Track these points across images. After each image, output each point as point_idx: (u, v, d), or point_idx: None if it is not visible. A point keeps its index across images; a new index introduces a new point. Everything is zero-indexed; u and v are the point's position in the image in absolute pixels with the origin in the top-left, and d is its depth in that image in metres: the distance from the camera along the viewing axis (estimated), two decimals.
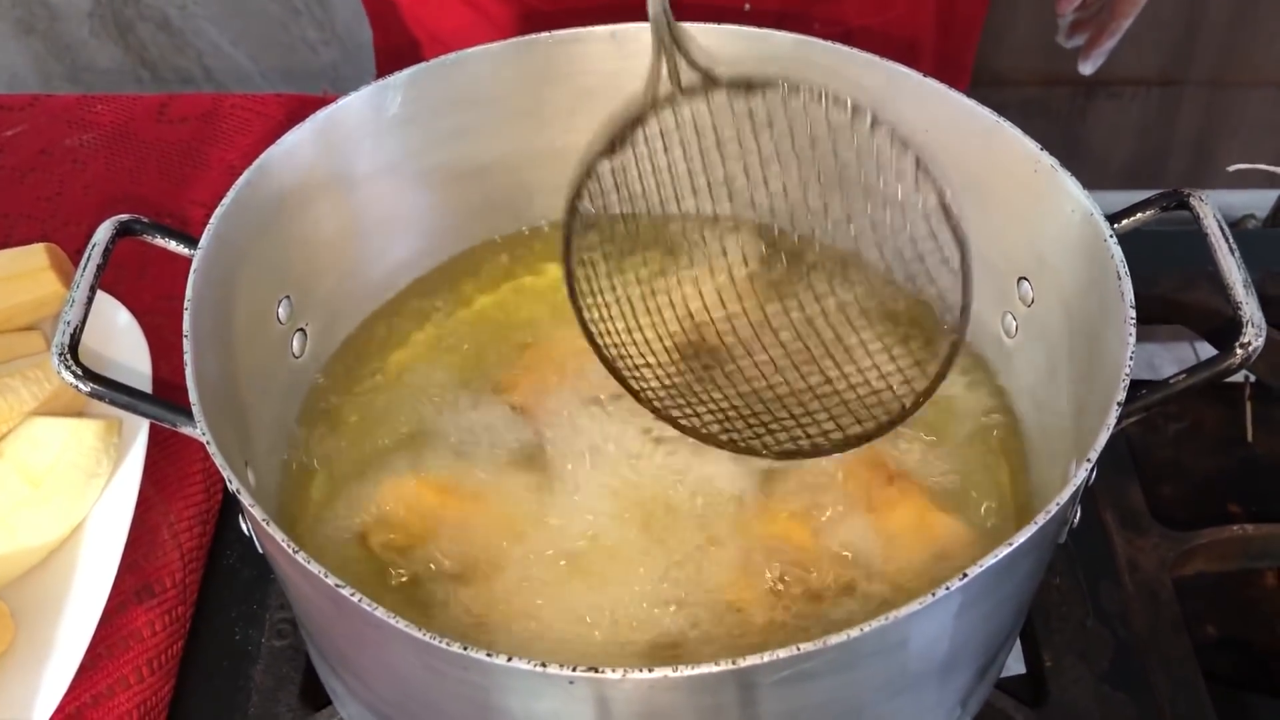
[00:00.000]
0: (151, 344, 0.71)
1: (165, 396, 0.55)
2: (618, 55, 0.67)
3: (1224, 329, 0.82)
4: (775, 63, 0.65)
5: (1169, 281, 0.83)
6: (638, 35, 0.66)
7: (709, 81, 0.58)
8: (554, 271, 0.72)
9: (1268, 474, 0.85)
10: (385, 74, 0.64)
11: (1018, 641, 0.65)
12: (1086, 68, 0.78)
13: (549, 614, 0.56)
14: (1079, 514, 0.55)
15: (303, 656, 0.65)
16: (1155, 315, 0.82)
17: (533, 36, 0.66)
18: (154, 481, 0.70)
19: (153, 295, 0.79)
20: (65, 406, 0.67)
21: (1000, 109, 0.61)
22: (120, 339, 0.71)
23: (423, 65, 0.65)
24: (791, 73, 0.65)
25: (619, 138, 0.58)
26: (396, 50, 0.90)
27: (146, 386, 0.69)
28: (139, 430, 0.67)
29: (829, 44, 0.64)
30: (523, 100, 0.68)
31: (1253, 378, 0.86)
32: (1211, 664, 0.66)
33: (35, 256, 0.72)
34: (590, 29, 0.66)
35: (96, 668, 0.63)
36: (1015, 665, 0.66)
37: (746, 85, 0.57)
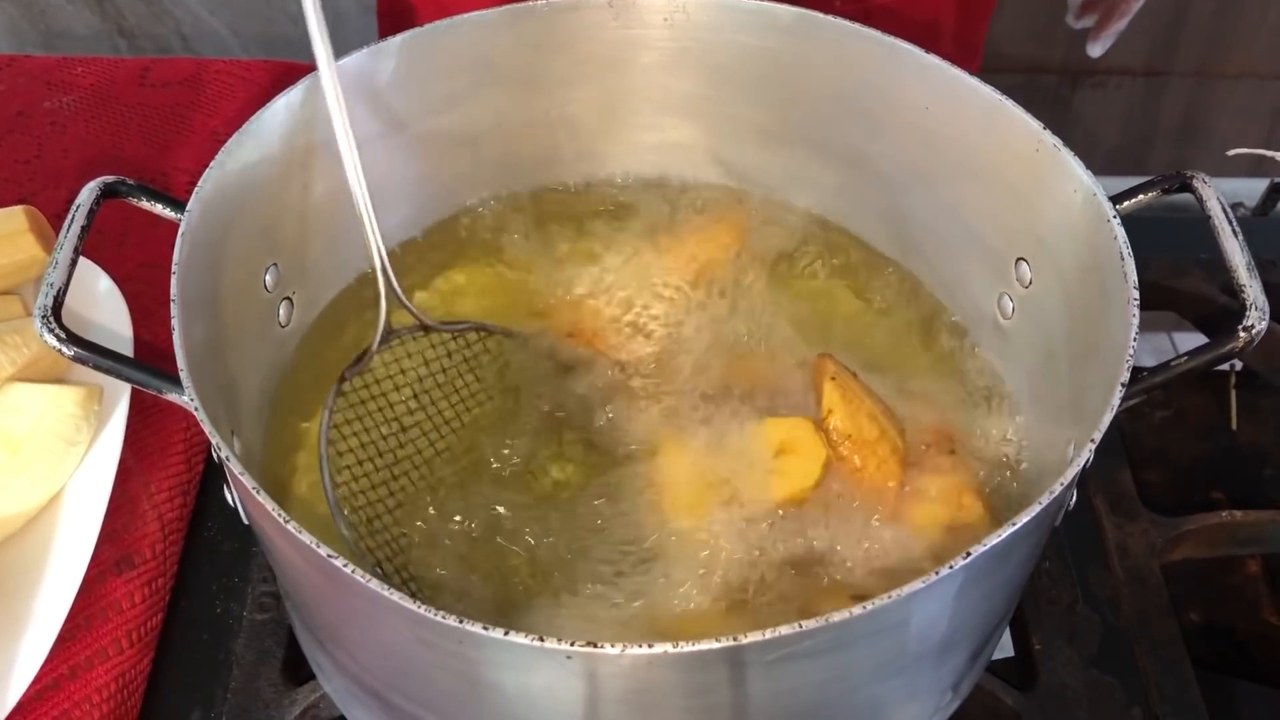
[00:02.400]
0: (132, 312, 0.69)
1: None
2: (615, 24, 0.66)
3: (1214, 316, 0.82)
4: (776, 35, 0.65)
5: (1159, 268, 0.82)
6: (635, 5, 0.66)
7: (422, 327, 0.63)
8: (546, 244, 0.71)
9: (1251, 461, 0.85)
10: (386, 37, 0.63)
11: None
12: (1095, 49, 0.78)
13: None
14: (1074, 497, 0.55)
15: (285, 630, 0.64)
16: (1144, 301, 0.82)
17: (529, 4, 0.65)
18: (134, 450, 0.69)
19: (134, 263, 0.77)
20: (44, 372, 0.66)
21: None
22: (101, 305, 0.69)
23: (416, 30, 0.64)
24: (790, 50, 0.65)
25: (345, 376, 0.61)
26: (399, 13, 0.89)
27: (128, 354, 0.67)
28: (120, 398, 0.65)
29: (830, 18, 0.63)
30: (517, 68, 0.67)
31: (1239, 366, 0.86)
32: (1194, 649, 0.66)
33: (14, 219, 0.70)
34: None
35: (75, 639, 0.62)
36: (1004, 648, 0.66)
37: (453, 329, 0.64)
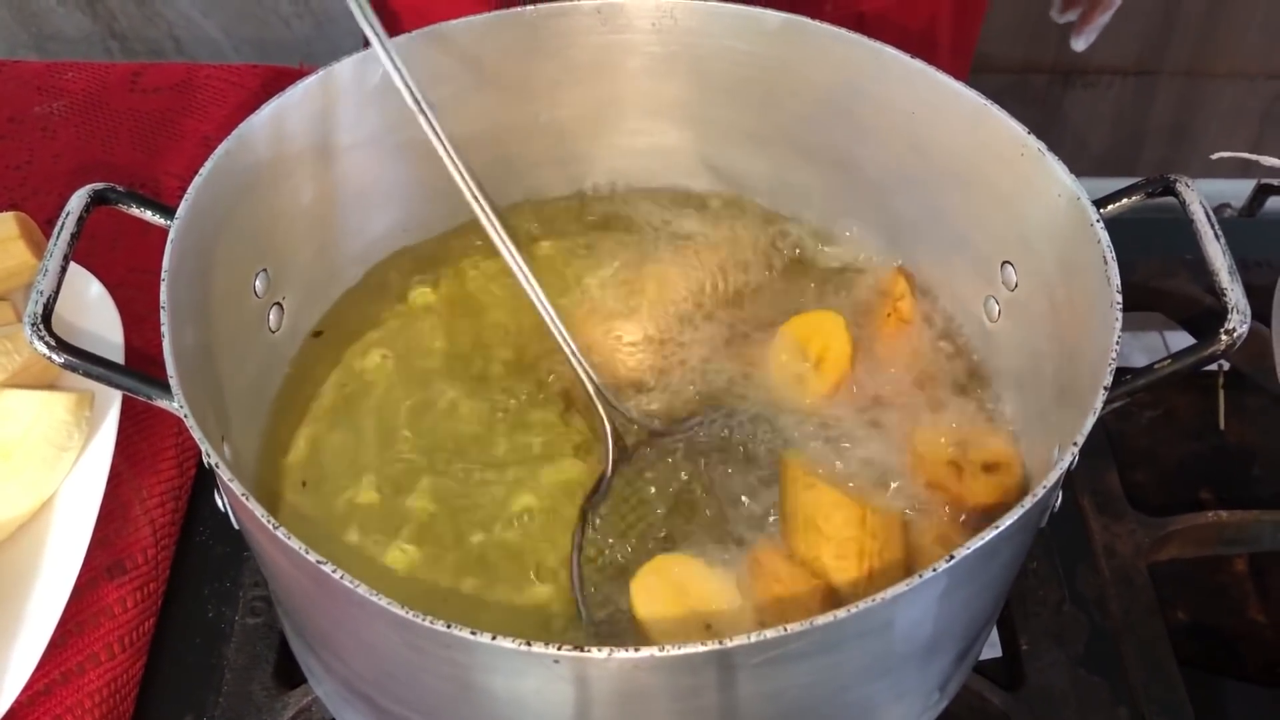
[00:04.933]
0: (124, 317, 0.70)
1: (138, 370, 0.53)
2: (603, 30, 0.66)
3: (1201, 317, 0.82)
4: (763, 40, 0.65)
5: (1146, 269, 0.83)
6: (623, 10, 0.66)
7: (653, 435, 0.62)
8: (536, 252, 0.72)
9: (1238, 461, 0.85)
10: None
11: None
12: (1079, 43, 0.78)
13: None
14: (1059, 499, 0.55)
15: (277, 634, 0.64)
16: (1132, 303, 0.82)
17: (517, 10, 0.65)
18: (126, 456, 0.69)
19: (125, 268, 0.77)
20: (36, 379, 0.66)
21: None
22: (92, 311, 0.69)
23: (406, 36, 0.64)
24: (777, 55, 0.65)
25: (590, 507, 0.60)
26: (387, 19, 0.89)
27: (119, 360, 0.68)
28: (111, 404, 0.66)
29: (817, 24, 0.63)
30: (506, 74, 0.68)
31: (1226, 366, 0.86)
32: (1181, 648, 0.66)
33: (5, 225, 0.70)
34: (576, 3, 0.66)
35: (66, 644, 0.62)
36: (991, 649, 0.66)
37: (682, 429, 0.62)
